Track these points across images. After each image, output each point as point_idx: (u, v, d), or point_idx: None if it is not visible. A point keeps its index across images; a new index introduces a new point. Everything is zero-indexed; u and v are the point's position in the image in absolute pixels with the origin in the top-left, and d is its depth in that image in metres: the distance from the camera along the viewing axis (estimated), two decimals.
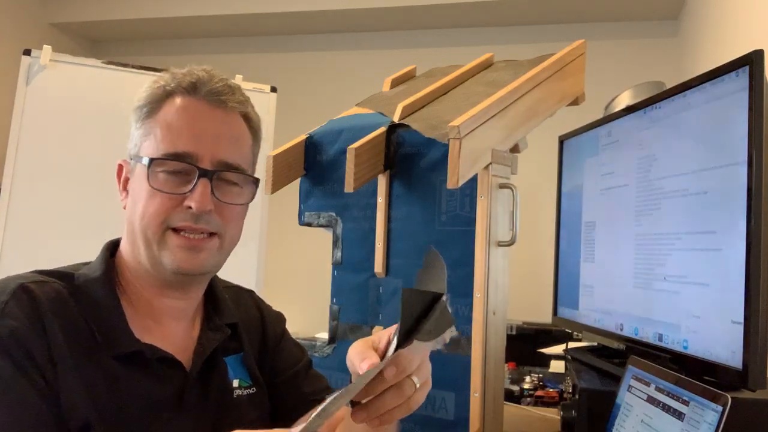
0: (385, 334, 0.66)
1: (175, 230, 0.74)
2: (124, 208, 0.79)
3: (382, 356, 0.63)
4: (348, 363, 0.67)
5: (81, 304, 0.72)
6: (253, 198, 0.82)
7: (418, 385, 0.62)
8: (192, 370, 0.77)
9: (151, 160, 0.73)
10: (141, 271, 0.77)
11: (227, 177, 0.77)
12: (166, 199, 0.73)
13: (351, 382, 0.66)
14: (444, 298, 0.59)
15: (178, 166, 0.74)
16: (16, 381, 0.63)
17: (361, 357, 0.62)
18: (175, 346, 0.77)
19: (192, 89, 0.76)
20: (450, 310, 0.59)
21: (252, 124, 0.82)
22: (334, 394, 0.57)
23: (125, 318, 0.73)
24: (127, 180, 0.79)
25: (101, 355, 0.70)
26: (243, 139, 0.80)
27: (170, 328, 0.79)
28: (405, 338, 0.56)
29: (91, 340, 0.70)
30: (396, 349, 0.56)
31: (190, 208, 0.73)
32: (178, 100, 0.76)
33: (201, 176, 0.73)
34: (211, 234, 0.76)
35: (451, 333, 0.58)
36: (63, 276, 0.74)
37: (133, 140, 0.78)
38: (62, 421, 0.65)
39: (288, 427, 0.57)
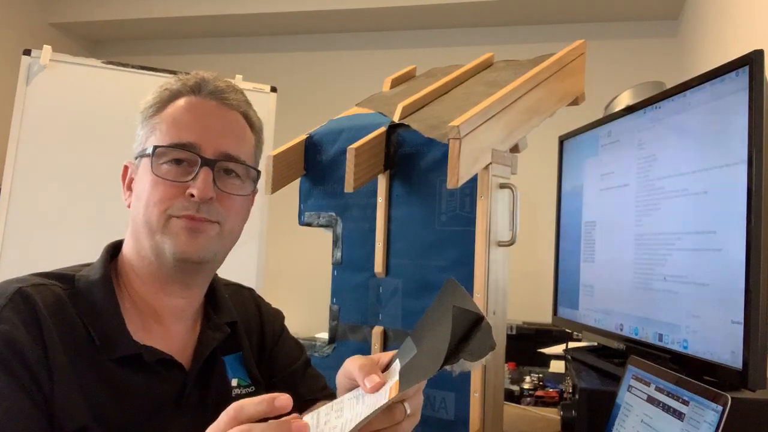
0: (386, 355, 0.66)
1: (178, 218, 0.74)
2: (128, 206, 0.79)
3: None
4: (342, 376, 0.66)
5: (79, 307, 0.72)
6: (254, 191, 0.83)
7: (408, 412, 0.62)
8: (191, 370, 0.77)
9: (155, 149, 0.75)
10: (144, 267, 0.77)
11: (229, 168, 0.78)
12: (169, 187, 0.74)
13: (337, 397, 0.66)
14: (487, 320, 0.59)
15: (181, 155, 0.75)
16: (7, 387, 0.63)
17: (365, 371, 0.61)
18: (175, 346, 0.78)
19: (197, 89, 0.79)
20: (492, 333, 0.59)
21: (254, 127, 0.84)
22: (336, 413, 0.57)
23: (123, 321, 0.73)
24: (131, 180, 0.80)
25: (99, 359, 0.70)
26: (246, 137, 0.82)
27: (172, 329, 0.79)
28: (451, 356, 0.57)
29: (89, 343, 0.70)
30: (442, 366, 0.56)
31: (192, 196, 0.74)
32: (183, 99, 0.79)
33: (203, 165, 0.75)
34: (212, 222, 0.76)
35: (488, 357, 0.58)
36: (63, 278, 0.74)
37: (137, 140, 0.80)
38: (55, 427, 0.64)
39: None
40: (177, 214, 0.74)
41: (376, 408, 0.57)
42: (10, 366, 0.63)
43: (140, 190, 0.76)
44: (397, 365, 0.62)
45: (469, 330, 0.59)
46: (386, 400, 0.57)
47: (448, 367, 0.57)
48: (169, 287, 0.78)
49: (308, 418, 0.61)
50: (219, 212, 0.76)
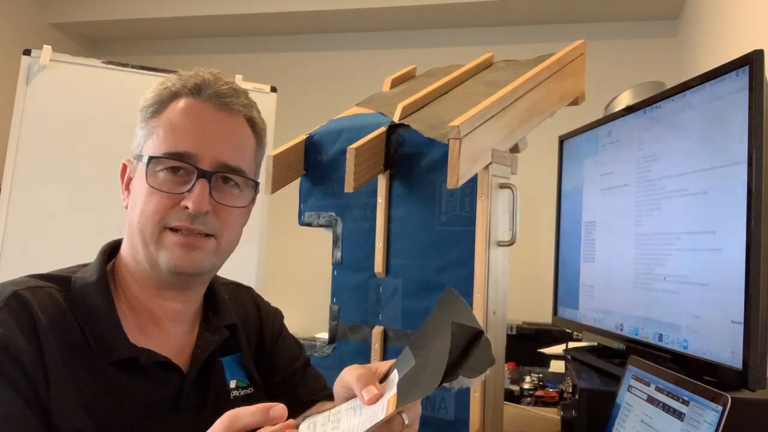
0: (384, 364, 0.65)
1: (172, 230, 0.73)
2: (126, 207, 0.79)
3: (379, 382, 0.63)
4: (339, 385, 0.65)
5: (76, 309, 0.71)
6: (252, 202, 0.82)
7: (406, 422, 0.61)
8: (189, 373, 0.76)
9: (151, 158, 0.73)
10: (140, 271, 0.76)
11: (227, 179, 0.77)
12: (164, 198, 0.73)
13: (335, 405, 0.65)
14: (486, 335, 0.58)
15: (177, 166, 0.73)
16: (3, 391, 0.62)
17: (363, 382, 0.60)
18: (173, 349, 0.77)
19: (197, 91, 0.77)
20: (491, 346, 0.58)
21: (256, 128, 0.82)
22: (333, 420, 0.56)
23: (120, 323, 0.73)
24: (130, 180, 0.79)
25: (96, 362, 0.69)
26: (246, 143, 0.80)
27: (169, 331, 0.79)
28: (449, 373, 0.56)
29: (86, 346, 0.69)
30: (440, 384, 0.55)
31: (187, 208, 0.72)
32: (182, 102, 0.76)
33: (200, 177, 0.73)
34: (208, 235, 0.75)
35: (487, 373, 0.57)
36: (59, 280, 0.74)
37: (136, 140, 0.79)
38: (52, 431, 0.64)
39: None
40: (171, 225, 0.73)
41: (374, 423, 0.56)
42: (6, 370, 0.63)
43: (136, 196, 0.75)
44: (395, 376, 0.62)
45: (468, 345, 0.58)
46: (383, 416, 0.56)
47: (447, 384, 0.56)
48: (165, 292, 0.77)
49: (304, 426, 0.60)
50: (215, 225, 0.75)
